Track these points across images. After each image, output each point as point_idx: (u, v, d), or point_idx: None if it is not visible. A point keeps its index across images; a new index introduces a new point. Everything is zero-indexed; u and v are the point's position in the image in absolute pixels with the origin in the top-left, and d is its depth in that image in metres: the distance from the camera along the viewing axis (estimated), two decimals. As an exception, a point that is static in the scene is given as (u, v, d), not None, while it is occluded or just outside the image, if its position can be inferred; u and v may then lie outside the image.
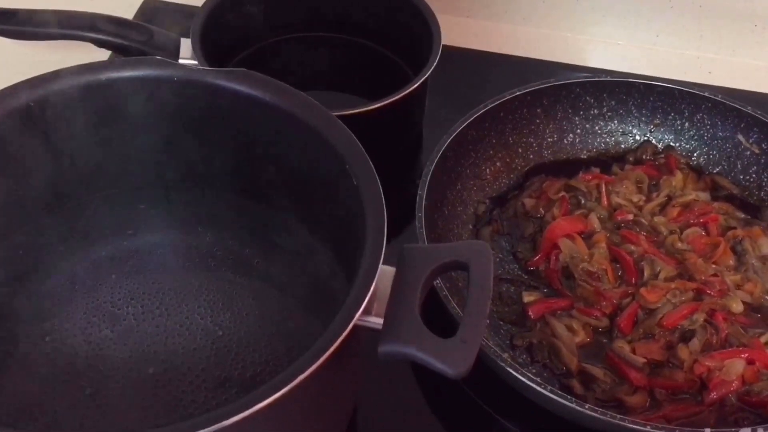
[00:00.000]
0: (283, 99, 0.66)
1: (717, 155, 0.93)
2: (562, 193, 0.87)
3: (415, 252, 0.59)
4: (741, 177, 0.92)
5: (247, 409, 0.48)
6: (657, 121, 0.94)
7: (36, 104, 0.65)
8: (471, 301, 0.56)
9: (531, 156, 0.93)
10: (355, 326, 0.53)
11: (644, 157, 0.94)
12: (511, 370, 0.67)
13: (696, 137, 0.93)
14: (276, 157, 0.69)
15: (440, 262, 0.58)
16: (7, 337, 0.69)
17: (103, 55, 0.91)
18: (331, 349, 0.51)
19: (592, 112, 0.94)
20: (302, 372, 0.49)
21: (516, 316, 0.79)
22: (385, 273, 0.57)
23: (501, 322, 0.79)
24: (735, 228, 0.85)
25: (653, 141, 0.95)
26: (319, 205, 0.68)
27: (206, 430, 0.47)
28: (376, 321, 0.56)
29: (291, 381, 0.49)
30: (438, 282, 0.71)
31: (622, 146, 0.95)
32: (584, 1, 1.10)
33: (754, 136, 0.90)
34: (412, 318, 0.55)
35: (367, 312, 0.55)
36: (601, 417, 0.65)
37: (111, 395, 0.69)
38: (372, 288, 0.54)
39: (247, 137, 0.69)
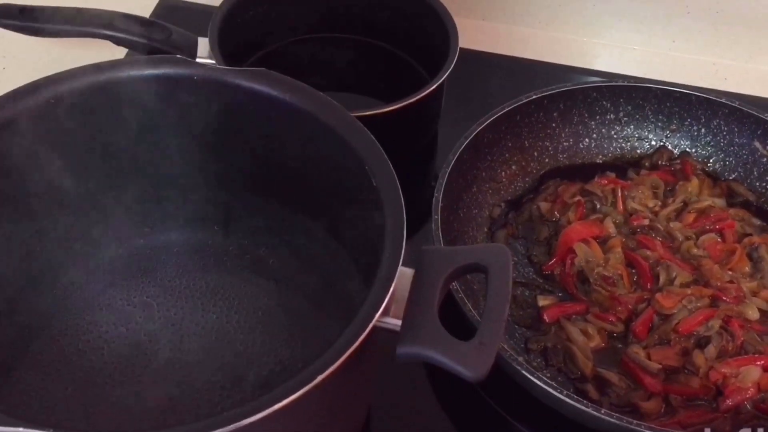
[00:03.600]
0: (302, 99, 0.66)
1: (733, 162, 0.93)
2: (578, 198, 0.87)
3: (434, 254, 0.59)
4: (757, 184, 0.91)
5: (267, 408, 0.48)
6: (673, 127, 0.94)
7: (56, 101, 0.65)
8: (490, 305, 0.56)
9: (546, 160, 0.93)
10: (374, 327, 0.53)
11: (660, 162, 0.93)
12: (526, 374, 0.67)
13: (712, 143, 0.93)
14: (294, 157, 0.69)
15: (459, 265, 0.58)
16: (22, 334, 0.69)
17: (120, 53, 0.91)
18: (351, 350, 0.51)
19: (608, 117, 0.94)
20: (322, 372, 0.49)
21: (531, 319, 0.79)
22: (404, 274, 0.57)
23: (516, 326, 0.79)
24: (751, 235, 0.85)
25: (669, 146, 0.95)
26: (336, 205, 0.68)
27: (225, 428, 0.47)
28: (395, 322, 0.55)
29: (311, 380, 0.49)
30: (454, 284, 0.71)
31: (638, 151, 0.95)
32: (601, 6, 1.09)
33: (771, 143, 0.90)
34: (430, 320, 0.55)
35: (386, 313, 0.55)
36: (618, 422, 0.65)
37: (125, 393, 0.69)
38: (392, 289, 0.54)
39: (265, 137, 0.69)
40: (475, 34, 1.08)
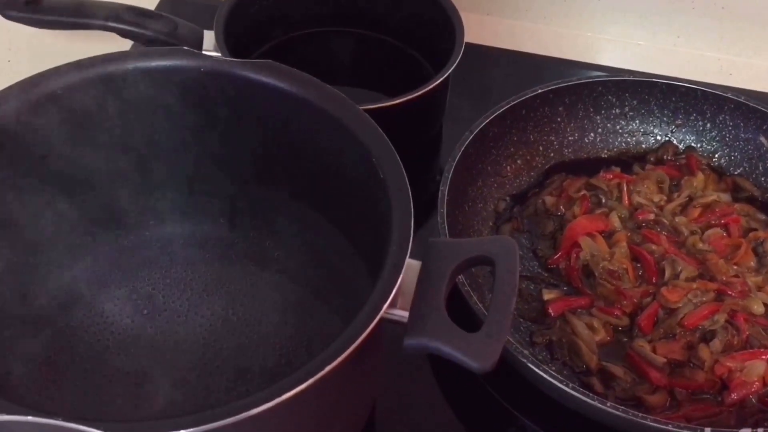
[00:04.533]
0: (309, 91, 0.65)
1: (738, 157, 0.93)
2: (583, 192, 0.87)
3: (441, 246, 0.59)
4: (762, 179, 0.91)
5: (276, 398, 0.48)
6: (679, 122, 0.94)
7: (63, 92, 0.65)
8: (496, 297, 0.56)
9: (552, 154, 0.93)
10: (381, 319, 0.53)
11: (665, 157, 0.93)
12: (532, 366, 0.67)
13: (718, 138, 0.93)
14: (301, 149, 0.69)
15: (466, 257, 0.58)
16: (28, 326, 0.69)
17: (125, 45, 0.91)
18: (358, 341, 0.51)
19: (613, 112, 0.94)
20: (330, 362, 0.49)
21: (536, 313, 0.79)
22: (411, 266, 0.57)
23: (521, 320, 0.79)
24: (756, 230, 0.85)
25: (674, 141, 0.95)
26: (342, 198, 0.68)
27: (233, 419, 0.47)
28: (402, 314, 0.55)
29: (319, 371, 0.48)
30: (459, 278, 0.71)
31: (643, 146, 0.95)
32: (606, 1, 1.09)
33: (777, 139, 0.90)
34: (437, 312, 0.55)
35: (393, 305, 0.55)
36: (623, 415, 0.65)
37: (130, 384, 0.69)
38: (399, 281, 0.54)
39: (271, 129, 0.69)
40: (480, 28, 1.08)
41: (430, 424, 0.75)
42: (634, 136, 0.95)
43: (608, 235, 0.83)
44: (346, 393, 0.60)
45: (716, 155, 0.93)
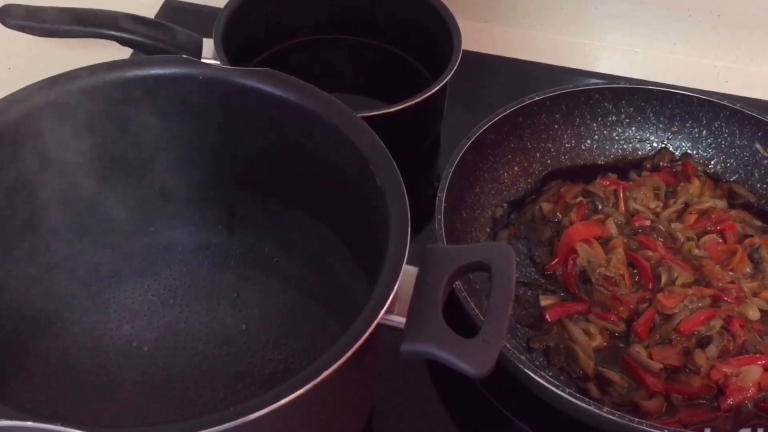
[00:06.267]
0: (308, 99, 0.66)
1: (734, 163, 0.93)
2: (580, 198, 0.88)
3: (437, 252, 0.59)
4: (758, 185, 0.92)
5: (273, 403, 0.48)
6: (675, 129, 0.95)
7: (63, 100, 0.65)
8: (493, 302, 0.56)
9: (549, 161, 0.93)
10: (378, 325, 0.54)
11: (661, 164, 0.94)
12: (529, 372, 0.68)
13: (713, 145, 0.94)
14: (299, 156, 0.69)
15: (463, 263, 0.58)
16: (29, 331, 0.70)
17: (125, 53, 0.91)
18: (356, 346, 0.51)
19: (610, 119, 0.94)
20: (327, 368, 0.50)
21: (533, 319, 0.80)
22: (408, 272, 0.57)
23: (518, 325, 0.79)
24: (752, 236, 0.86)
25: (671, 148, 0.95)
26: (340, 204, 0.69)
27: (231, 423, 0.48)
28: (399, 320, 0.56)
29: (317, 376, 0.49)
30: (456, 283, 0.71)
31: (640, 153, 0.96)
32: (603, 9, 1.10)
33: (772, 145, 0.91)
34: (434, 317, 0.55)
35: (390, 311, 0.55)
36: (620, 420, 0.65)
37: (131, 389, 0.69)
38: (396, 287, 0.54)
39: (270, 136, 0.70)
40: (477, 36, 1.08)
41: (428, 429, 0.75)
42: (631, 143, 0.96)
43: (605, 242, 0.83)
44: (343, 398, 0.60)
45: (712, 162, 0.94)
